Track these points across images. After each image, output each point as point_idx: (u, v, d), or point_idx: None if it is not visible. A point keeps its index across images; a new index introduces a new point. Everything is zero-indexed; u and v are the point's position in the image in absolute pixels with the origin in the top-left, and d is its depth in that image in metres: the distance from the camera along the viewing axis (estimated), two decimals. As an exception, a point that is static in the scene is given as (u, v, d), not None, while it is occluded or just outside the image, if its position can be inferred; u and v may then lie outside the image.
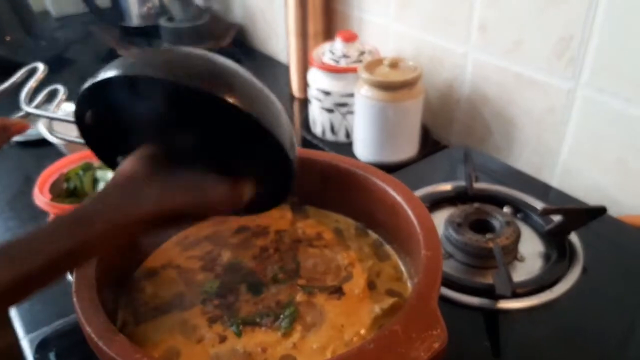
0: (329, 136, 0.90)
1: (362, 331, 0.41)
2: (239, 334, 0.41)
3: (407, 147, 0.82)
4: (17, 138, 0.96)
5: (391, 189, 0.46)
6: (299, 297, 0.44)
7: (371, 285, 0.46)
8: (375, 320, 0.42)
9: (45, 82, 1.23)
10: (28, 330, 0.59)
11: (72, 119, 0.40)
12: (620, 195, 0.68)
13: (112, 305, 0.43)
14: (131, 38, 1.30)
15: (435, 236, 0.41)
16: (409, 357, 0.32)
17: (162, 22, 1.22)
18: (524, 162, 0.79)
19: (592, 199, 0.68)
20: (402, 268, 0.47)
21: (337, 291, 0.45)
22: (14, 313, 0.62)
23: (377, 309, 0.43)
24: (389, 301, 0.43)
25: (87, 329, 0.36)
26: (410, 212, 0.44)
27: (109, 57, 1.33)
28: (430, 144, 0.86)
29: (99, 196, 0.35)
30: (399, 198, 0.45)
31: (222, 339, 0.41)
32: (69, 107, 1.04)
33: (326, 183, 0.52)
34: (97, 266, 0.40)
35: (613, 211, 0.61)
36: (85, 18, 1.55)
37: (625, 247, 0.59)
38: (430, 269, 0.38)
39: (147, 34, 1.29)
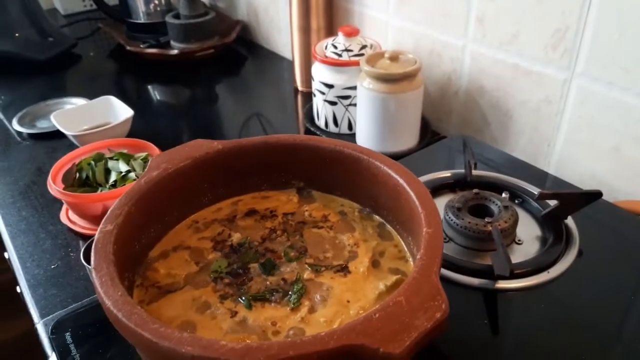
0: (332, 128, 0.92)
1: (367, 306, 0.43)
2: (249, 308, 0.43)
3: (408, 138, 0.84)
4: (29, 130, 0.98)
5: (393, 172, 0.48)
6: (307, 274, 0.46)
7: (375, 264, 0.47)
8: (380, 297, 0.44)
9: (53, 78, 1.25)
10: (43, 314, 0.60)
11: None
12: (615, 182, 0.69)
13: (128, 284, 0.45)
14: (138, 35, 1.32)
15: (436, 214, 0.42)
16: (413, 326, 0.33)
17: (169, 18, 1.24)
18: (521, 151, 0.80)
19: (588, 187, 0.69)
20: (405, 247, 0.49)
21: (343, 269, 0.47)
22: (28, 298, 0.64)
23: (381, 285, 0.45)
24: (392, 278, 0.45)
25: (107, 302, 0.37)
26: (412, 193, 0.45)
27: (116, 53, 1.35)
28: (429, 135, 0.88)
29: None
30: (401, 180, 0.47)
31: (233, 314, 0.43)
32: (79, 101, 1.06)
33: (331, 168, 0.53)
34: (114, 244, 0.42)
35: (608, 198, 0.62)
36: (92, 15, 1.58)
37: (620, 231, 0.60)
38: (432, 244, 0.40)
39: (153, 30, 1.31)
